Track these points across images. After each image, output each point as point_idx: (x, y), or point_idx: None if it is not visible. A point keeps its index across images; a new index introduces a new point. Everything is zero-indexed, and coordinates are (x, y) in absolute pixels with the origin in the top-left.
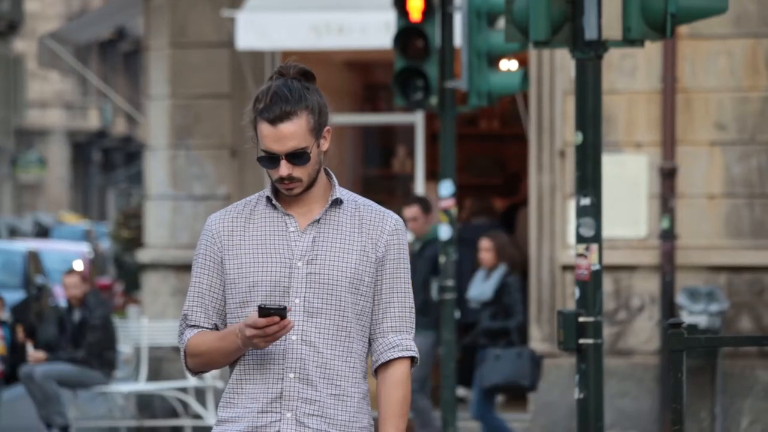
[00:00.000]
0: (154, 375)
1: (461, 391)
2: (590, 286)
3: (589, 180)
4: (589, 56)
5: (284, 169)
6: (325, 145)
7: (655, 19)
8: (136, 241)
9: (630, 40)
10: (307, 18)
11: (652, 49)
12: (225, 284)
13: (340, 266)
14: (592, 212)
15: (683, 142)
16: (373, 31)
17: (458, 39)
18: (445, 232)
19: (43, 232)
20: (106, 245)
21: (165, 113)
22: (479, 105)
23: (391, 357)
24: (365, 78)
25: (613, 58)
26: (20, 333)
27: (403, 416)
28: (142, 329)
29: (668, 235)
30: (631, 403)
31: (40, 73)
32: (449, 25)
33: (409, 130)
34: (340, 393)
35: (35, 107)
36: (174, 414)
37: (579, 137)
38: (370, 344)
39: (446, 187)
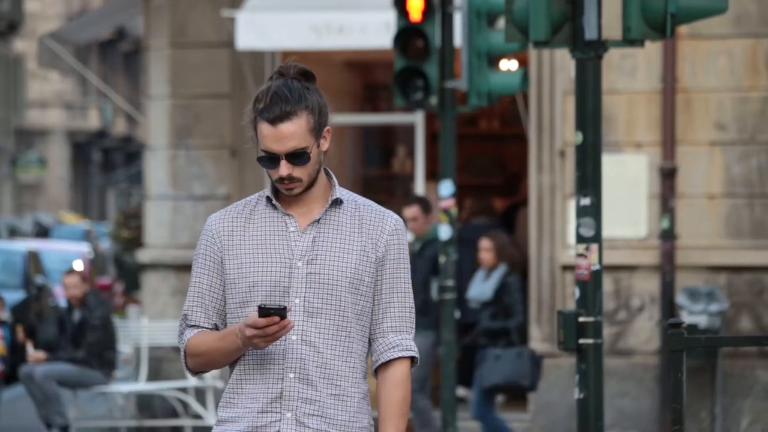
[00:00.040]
0: (154, 375)
1: (461, 391)
2: (590, 286)
3: (589, 180)
4: (589, 56)
5: (284, 169)
6: (325, 145)
7: (655, 19)
8: (136, 241)
9: (630, 40)
10: (307, 18)
11: (652, 49)
12: (225, 284)
13: (340, 266)
14: (592, 212)
15: (683, 142)
16: (373, 31)
17: (458, 39)
18: (445, 232)
19: (43, 232)
20: (106, 245)
21: (165, 113)
22: (479, 105)
23: (391, 357)
24: (365, 78)
25: (613, 58)
26: (20, 333)
27: (403, 416)
28: (142, 329)
29: (668, 235)
30: (631, 403)
31: (40, 73)
32: (449, 25)
33: (409, 130)
34: (340, 393)
35: (35, 107)
36: (174, 414)
37: (579, 137)
38: (370, 344)
39: (446, 187)
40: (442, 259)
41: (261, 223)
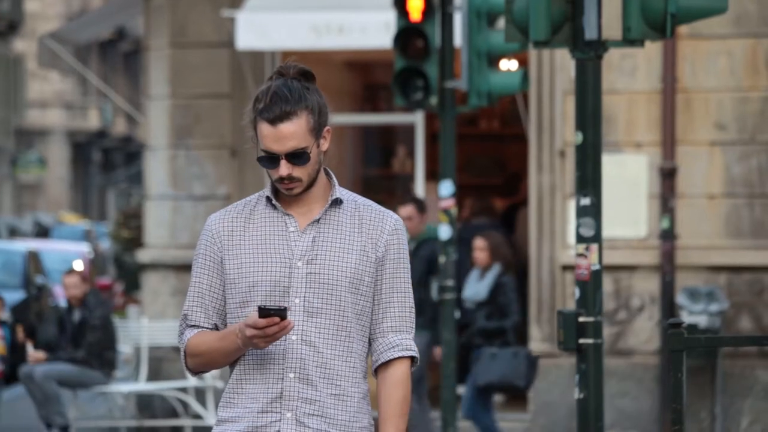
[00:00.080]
0: (154, 375)
1: (460, 390)
2: (590, 286)
3: (589, 180)
4: (589, 56)
5: (284, 169)
6: (324, 145)
7: (655, 19)
8: (136, 241)
9: (630, 40)
10: (307, 18)
11: (652, 49)
12: (225, 284)
13: (340, 266)
14: (592, 212)
15: (683, 142)
16: (373, 31)
17: (458, 39)
18: (445, 232)
19: (43, 232)
20: (106, 245)
21: (165, 113)
22: (479, 105)
23: (391, 357)
24: (365, 78)
25: (613, 58)
26: (20, 333)
27: (403, 416)
28: (142, 329)
29: (668, 235)
30: (631, 403)
31: (40, 73)
32: (449, 25)
33: (409, 130)
34: (340, 393)
35: (35, 107)
36: (174, 414)
37: (579, 137)
38: (370, 344)
39: (446, 187)
40: (441, 259)
41: (261, 223)
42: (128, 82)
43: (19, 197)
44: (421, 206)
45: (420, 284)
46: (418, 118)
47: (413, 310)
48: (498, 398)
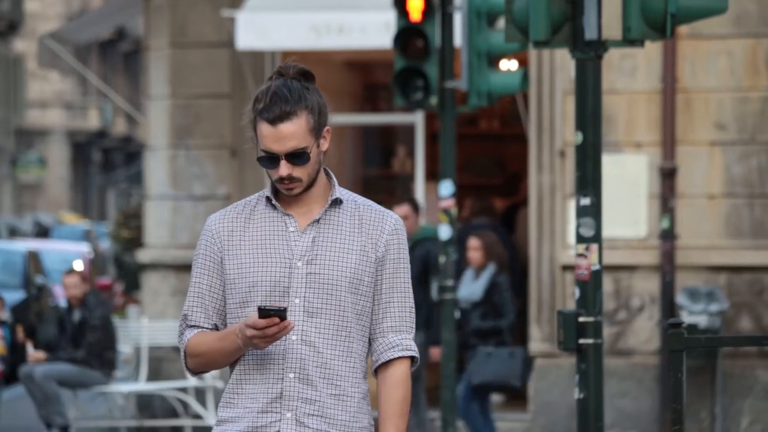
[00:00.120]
0: (154, 375)
1: None
2: (590, 286)
3: (589, 180)
4: (589, 56)
5: (284, 169)
6: (324, 145)
7: (655, 19)
8: (136, 241)
9: (630, 40)
10: (307, 18)
11: (652, 49)
12: (225, 284)
13: (340, 266)
14: (592, 212)
15: (683, 142)
16: (373, 31)
17: (458, 39)
18: (445, 232)
19: (43, 232)
20: (106, 245)
21: (165, 113)
22: (479, 105)
23: (391, 357)
24: (365, 78)
25: (613, 58)
26: (20, 333)
27: (403, 416)
28: (142, 329)
29: (668, 235)
30: (631, 403)
31: (40, 73)
32: (449, 25)
33: (409, 130)
34: (340, 393)
35: (35, 107)
36: (174, 414)
37: (579, 137)
38: (370, 344)
39: (446, 187)
40: (441, 259)
41: (261, 223)
42: (128, 82)
43: (19, 197)
44: (416, 206)
45: (416, 284)
46: (418, 118)
47: (413, 310)
48: (498, 398)
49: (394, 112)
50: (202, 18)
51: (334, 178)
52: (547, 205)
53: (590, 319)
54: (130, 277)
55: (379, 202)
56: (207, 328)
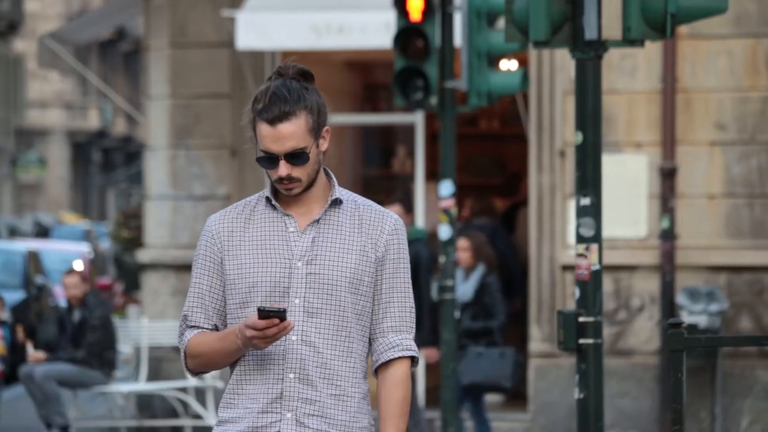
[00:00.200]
0: (154, 375)
1: None
2: (590, 286)
3: (589, 180)
4: (589, 56)
5: (283, 169)
6: (324, 145)
7: (655, 19)
8: (136, 241)
9: (630, 40)
10: (307, 18)
11: (652, 49)
12: (225, 285)
13: (340, 266)
14: (592, 212)
15: (683, 142)
16: (373, 31)
17: (458, 39)
18: (445, 232)
19: (43, 232)
20: (106, 245)
21: (165, 113)
22: (479, 105)
23: (391, 357)
24: (365, 78)
25: (613, 58)
26: (20, 333)
27: (403, 416)
28: (142, 329)
29: (668, 235)
30: (631, 403)
31: (40, 73)
32: (449, 25)
33: (409, 130)
34: (341, 393)
35: (35, 107)
36: (174, 414)
37: (579, 137)
38: (370, 344)
39: (446, 187)
40: (441, 259)
41: (261, 223)
42: (128, 82)
43: (19, 197)
44: (408, 206)
45: None
46: (418, 118)
47: (413, 310)
48: (498, 398)
49: (394, 112)
50: (202, 18)
51: (334, 178)
52: (547, 205)
53: (590, 319)
54: (130, 277)
55: (379, 202)
56: (207, 329)
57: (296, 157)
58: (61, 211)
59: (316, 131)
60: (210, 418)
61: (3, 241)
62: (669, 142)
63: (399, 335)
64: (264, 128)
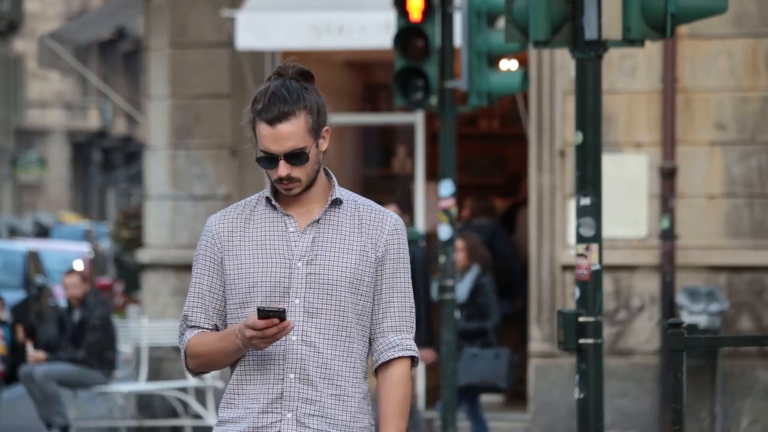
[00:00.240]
0: (154, 375)
1: None
2: (590, 286)
3: (589, 180)
4: (589, 56)
5: (283, 169)
6: (324, 145)
7: (655, 19)
8: (136, 241)
9: (630, 40)
10: (307, 18)
11: (652, 49)
12: (225, 285)
13: (340, 266)
14: (592, 212)
15: (683, 142)
16: (373, 31)
17: (458, 39)
18: (445, 232)
19: (43, 232)
20: (106, 245)
21: (165, 113)
22: (479, 105)
23: (392, 357)
24: (365, 78)
25: (613, 58)
26: (20, 333)
27: (403, 416)
28: (142, 329)
29: (668, 235)
30: (631, 403)
31: (40, 73)
32: (449, 25)
33: (409, 130)
34: (341, 393)
35: (35, 107)
36: (174, 414)
37: (579, 137)
38: (370, 344)
39: (446, 187)
40: (441, 259)
41: (261, 223)
42: (128, 82)
43: (19, 197)
44: (403, 206)
45: None
46: (418, 118)
47: (413, 310)
48: (498, 398)
49: (394, 112)
50: (202, 18)
51: (334, 178)
52: (547, 205)
53: (590, 319)
54: (130, 277)
55: (379, 202)
56: (207, 329)
57: (296, 157)
58: (61, 211)
59: (315, 131)
60: (210, 418)
61: (3, 241)
62: (669, 142)
63: (399, 335)
64: (263, 128)
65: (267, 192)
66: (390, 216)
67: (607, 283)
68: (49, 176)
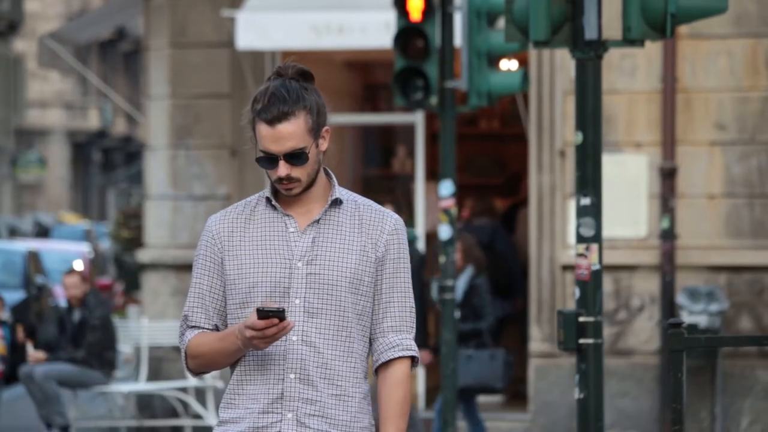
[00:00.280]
0: (154, 375)
1: None
2: (590, 286)
3: (589, 180)
4: (589, 56)
5: (283, 169)
6: (323, 145)
7: (655, 19)
8: (136, 241)
9: (630, 40)
10: (307, 18)
11: (652, 49)
12: (225, 285)
13: (340, 266)
14: (592, 212)
15: (683, 142)
16: (373, 31)
17: (458, 39)
18: (445, 232)
19: (43, 232)
20: (106, 245)
21: (165, 113)
22: (479, 105)
23: (392, 357)
24: (365, 78)
25: (613, 58)
26: (20, 333)
27: (403, 416)
28: (142, 329)
29: (668, 235)
30: (631, 403)
31: (40, 73)
32: (449, 25)
33: (409, 130)
34: (341, 393)
35: (35, 107)
36: (174, 414)
37: (579, 137)
38: (370, 344)
39: (446, 187)
40: (441, 259)
41: (261, 223)
42: (128, 82)
43: (19, 197)
44: (400, 207)
45: None
46: (418, 118)
47: (414, 310)
48: (498, 398)
49: (394, 112)
50: (202, 18)
51: (334, 178)
52: (547, 205)
53: (590, 319)
54: (130, 277)
55: (379, 202)
56: (207, 329)
57: (296, 157)
58: (61, 211)
59: (315, 131)
60: (210, 418)
61: (3, 241)
62: (669, 142)
63: (399, 335)
64: (263, 128)
65: (267, 192)
66: (390, 216)
67: (607, 283)
68: (49, 176)
